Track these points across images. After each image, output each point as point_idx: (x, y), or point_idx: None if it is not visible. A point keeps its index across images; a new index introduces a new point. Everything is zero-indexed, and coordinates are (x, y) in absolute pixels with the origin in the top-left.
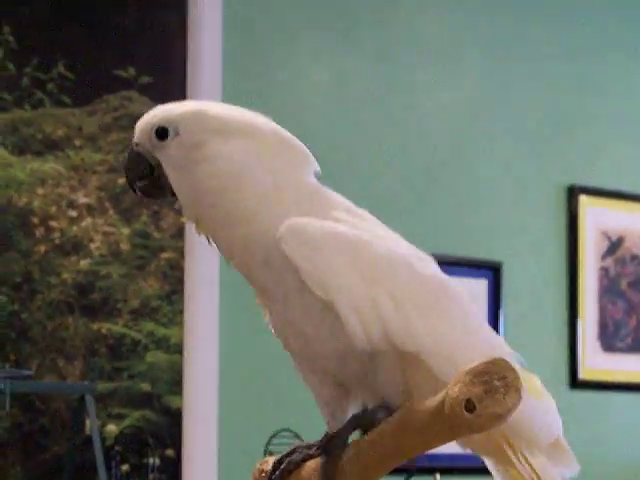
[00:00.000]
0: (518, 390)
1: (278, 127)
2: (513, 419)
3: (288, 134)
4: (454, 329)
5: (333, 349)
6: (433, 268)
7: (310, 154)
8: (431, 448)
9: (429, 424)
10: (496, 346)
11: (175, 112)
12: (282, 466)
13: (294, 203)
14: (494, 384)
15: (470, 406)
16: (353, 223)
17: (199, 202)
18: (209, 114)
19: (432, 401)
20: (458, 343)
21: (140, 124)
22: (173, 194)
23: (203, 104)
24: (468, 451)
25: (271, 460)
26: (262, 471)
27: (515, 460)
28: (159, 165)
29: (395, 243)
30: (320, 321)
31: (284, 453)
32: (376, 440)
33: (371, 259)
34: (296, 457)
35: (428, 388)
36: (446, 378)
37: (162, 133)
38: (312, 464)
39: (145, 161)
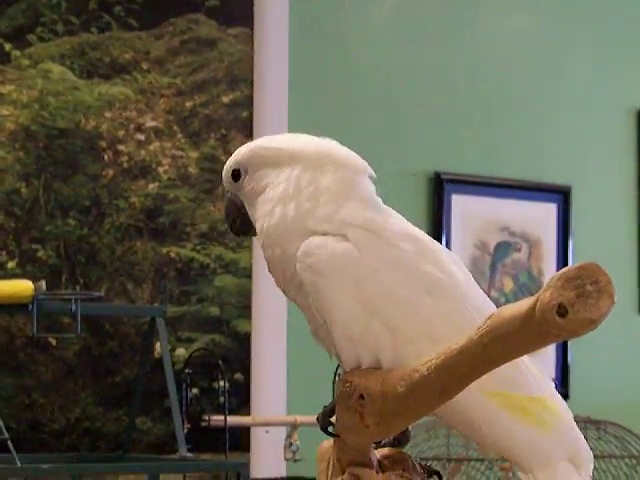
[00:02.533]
0: (611, 295)
1: (332, 147)
2: (505, 445)
3: (339, 151)
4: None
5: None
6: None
7: (363, 164)
8: (520, 355)
9: (519, 330)
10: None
11: (241, 153)
12: None
13: (329, 221)
14: (586, 288)
15: (562, 311)
16: (364, 245)
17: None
18: (264, 148)
19: (522, 307)
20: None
21: (224, 171)
22: None
23: (265, 140)
24: None
25: (357, 371)
26: (347, 381)
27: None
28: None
29: (421, 261)
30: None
31: None
32: (465, 348)
33: (373, 287)
34: None
35: None
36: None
37: (236, 175)
38: None
39: (233, 204)
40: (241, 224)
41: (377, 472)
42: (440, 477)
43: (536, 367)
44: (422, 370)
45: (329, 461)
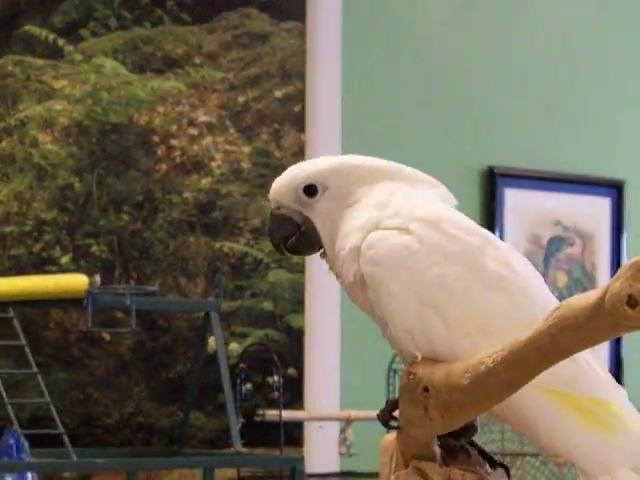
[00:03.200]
0: None
1: (401, 165)
2: (562, 446)
3: (410, 168)
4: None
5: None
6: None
7: (448, 191)
8: (589, 346)
9: (588, 321)
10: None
11: (320, 169)
12: None
13: (398, 216)
14: None
15: (632, 302)
16: (426, 237)
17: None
18: (354, 165)
19: (591, 297)
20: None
21: (280, 187)
22: (319, 247)
23: (340, 159)
24: None
25: (421, 362)
26: (410, 373)
27: None
28: (305, 223)
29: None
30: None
31: None
32: (532, 340)
33: (430, 279)
34: None
35: None
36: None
37: (310, 190)
38: None
39: (292, 221)
40: (298, 242)
41: (441, 465)
42: (507, 470)
43: (604, 370)
44: (488, 362)
45: (392, 455)
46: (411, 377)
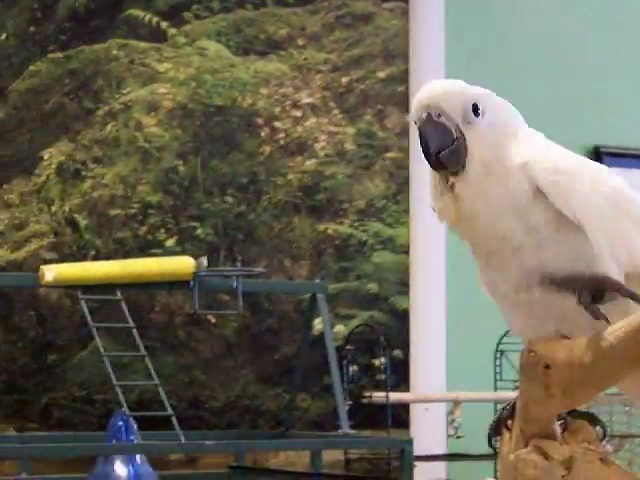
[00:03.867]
0: None
1: None
2: None
3: None
4: None
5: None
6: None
7: None
8: None
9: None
10: None
11: (482, 92)
12: None
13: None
14: None
15: None
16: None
17: (489, 165)
18: (503, 101)
19: None
20: None
21: (448, 97)
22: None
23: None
24: None
25: (541, 340)
26: (531, 350)
27: None
28: (459, 139)
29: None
30: (572, 255)
31: None
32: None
33: (610, 186)
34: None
35: None
36: None
37: (476, 110)
38: None
39: (450, 133)
40: (450, 155)
41: (561, 444)
42: (604, 429)
43: None
44: (610, 339)
45: (512, 433)
46: (532, 355)
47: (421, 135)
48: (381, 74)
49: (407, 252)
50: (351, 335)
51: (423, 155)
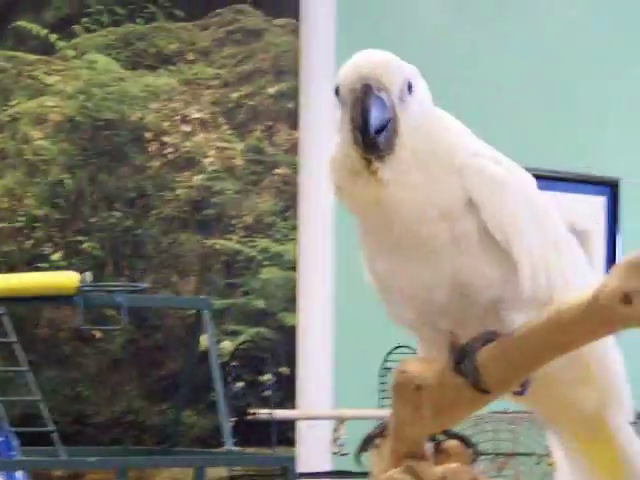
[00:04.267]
0: None
1: None
2: (615, 377)
3: None
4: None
5: (489, 295)
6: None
7: None
8: (581, 345)
9: (581, 319)
10: None
11: (410, 68)
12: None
13: (463, 151)
14: None
15: (627, 300)
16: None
17: (418, 154)
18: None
19: (585, 295)
20: None
21: (389, 68)
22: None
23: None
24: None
25: (412, 361)
26: (402, 371)
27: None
28: (393, 119)
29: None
30: (491, 269)
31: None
32: (524, 336)
33: (540, 206)
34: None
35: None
36: None
37: (410, 87)
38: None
39: (387, 111)
40: (386, 136)
41: (433, 465)
42: (476, 450)
43: None
44: (480, 361)
45: (383, 453)
46: (403, 375)
47: (362, 108)
48: (271, 90)
49: (295, 268)
50: (237, 351)
51: (357, 130)
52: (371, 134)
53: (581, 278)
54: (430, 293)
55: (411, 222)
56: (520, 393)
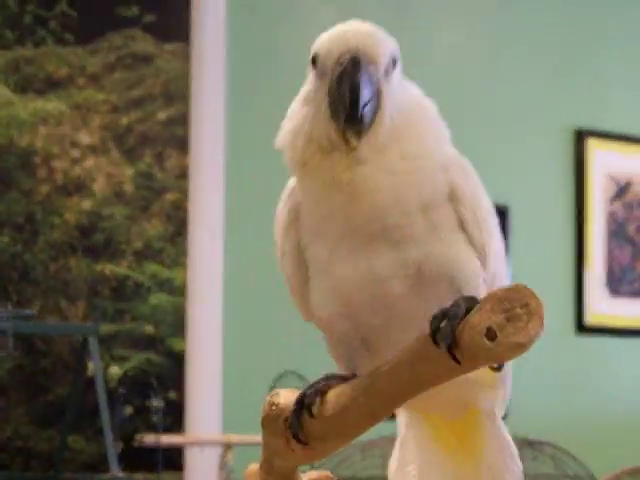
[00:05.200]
0: (541, 318)
1: None
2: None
3: None
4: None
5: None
6: None
7: None
8: (449, 379)
9: (446, 355)
10: None
11: (394, 44)
12: (316, 387)
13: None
14: (516, 311)
15: (491, 334)
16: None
17: (397, 133)
18: None
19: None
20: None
21: (377, 45)
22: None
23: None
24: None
25: (283, 393)
26: (272, 404)
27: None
28: (378, 94)
29: None
30: (463, 256)
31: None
32: (392, 370)
33: (490, 211)
34: (328, 382)
35: None
36: None
37: (394, 62)
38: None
39: (374, 87)
40: (371, 112)
41: None
42: None
43: None
44: (349, 392)
45: None
46: (273, 408)
47: (352, 84)
48: (161, 115)
49: (184, 294)
50: (124, 377)
51: (340, 105)
52: (360, 111)
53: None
54: (383, 283)
55: (384, 207)
56: (498, 369)
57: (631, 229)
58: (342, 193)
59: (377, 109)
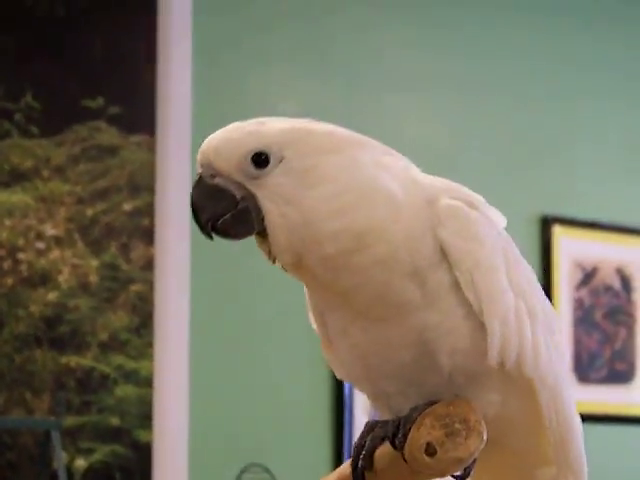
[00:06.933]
0: (480, 433)
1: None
2: (576, 457)
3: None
4: (563, 370)
5: (455, 363)
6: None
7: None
8: None
9: (391, 467)
10: (571, 384)
11: (274, 133)
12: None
13: (424, 194)
14: (455, 427)
15: (431, 450)
16: (489, 215)
17: (315, 234)
18: (318, 132)
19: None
20: (564, 384)
21: (221, 151)
22: (259, 232)
23: (300, 122)
24: None
25: None
26: None
27: None
28: (246, 198)
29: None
30: (459, 330)
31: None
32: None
33: (515, 263)
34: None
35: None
36: (546, 409)
37: (260, 160)
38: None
39: (229, 195)
40: (233, 222)
41: None
42: None
43: None
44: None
45: None
46: None
47: (191, 201)
48: (126, 207)
49: (150, 385)
50: (90, 470)
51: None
52: (206, 228)
53: (556, 354)
54: (393, 350)
55: (368, 302)
56: (461, 478)
57: (598, 315)
58: (327, 292)
59: (245, 216)
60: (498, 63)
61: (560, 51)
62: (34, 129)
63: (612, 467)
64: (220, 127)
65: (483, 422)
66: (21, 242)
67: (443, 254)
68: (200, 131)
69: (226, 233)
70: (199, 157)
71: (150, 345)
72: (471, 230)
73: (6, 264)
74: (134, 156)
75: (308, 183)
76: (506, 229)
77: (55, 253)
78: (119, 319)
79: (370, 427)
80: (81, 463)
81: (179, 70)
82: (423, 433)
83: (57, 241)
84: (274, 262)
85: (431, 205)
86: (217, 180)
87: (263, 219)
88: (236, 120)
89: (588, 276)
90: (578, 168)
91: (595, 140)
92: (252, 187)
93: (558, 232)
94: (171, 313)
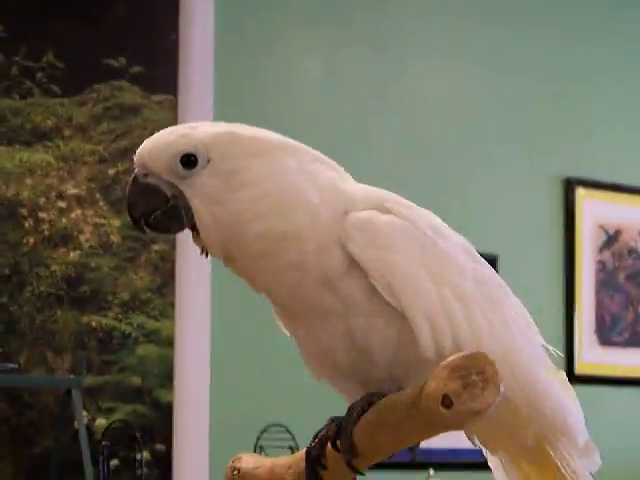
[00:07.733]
0: (497, 385)
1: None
2: (554, 415)
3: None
4: (514, 337)
5: (389, 359)
6: (485, 263)
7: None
8: (406, 445)
9: (405, 419)
10: (537, 346)
11: (202, 136)
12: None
13: (341, 205)
14: (472, 379)
15: (447, 402)
16: (407, 215)
17: (239, 233)
18: (244, 136)
19: (407, 395)
20: (518, 351)
21: (152, 152)
22: (191, 227)
23: (228, 127)
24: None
25: (245, 458)
26: (234, 469)
27: (559, 465)
28: (177, 196)
29: (449, 234)
30: (385, 329)
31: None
32: (355, 435)
33: (437, 255)
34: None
35: None
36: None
37: (189, 161)
38: None
39: (160, 193)
40: (164, 218)
41: None
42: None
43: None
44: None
45: None
46: (235, 472)
47: (126, 197)
48: None
49: (172, 345)
50: (109, 430)
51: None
52: (139, 223)
53: (504, 327)
54: (332, 355)
55: (288, 300)
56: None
57: (621, 278)
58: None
59: (175, 213)
60: (519, 29)
61: (579, 20)
62: (56, 88)
63: (633, 429)
64: (243, 87)
65: (500, 374)
66: (42, 201)
67: (354, 264)
68: (222, 92)
69: (157, 228)
70: (135, 158)
71: (171, 305)
72: (379, 239)
73: (27, 223)
74: (156, 116)
75: (234, 185)
76: (529, 193)
77: (77, 212)
78: (140, 279)
79: (330, 421)
80: (102, 422)
81: (201, 31)
82: (440, 385)
83: (78, 200)
84: (207, 256)
85: (344, 217)
86: (150, 179)
87: (193, 216)
88: (257, 82)
89: (611, 239)
90: (601, 131)
91: (617, 104)
92: (182, 186)
93: (581, 195)
94: (193, 273)
